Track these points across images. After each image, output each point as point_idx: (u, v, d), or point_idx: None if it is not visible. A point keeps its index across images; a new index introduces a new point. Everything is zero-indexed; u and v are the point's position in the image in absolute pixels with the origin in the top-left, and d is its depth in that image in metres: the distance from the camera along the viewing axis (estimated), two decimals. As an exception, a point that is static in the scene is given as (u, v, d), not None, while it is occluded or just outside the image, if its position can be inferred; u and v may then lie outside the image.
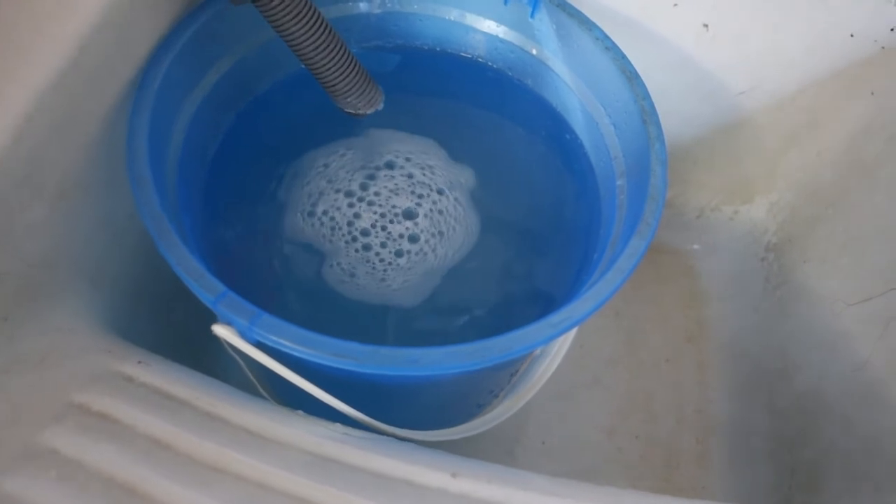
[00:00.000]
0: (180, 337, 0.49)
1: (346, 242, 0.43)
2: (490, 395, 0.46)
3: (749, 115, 0.54)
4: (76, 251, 0.37)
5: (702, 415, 0.58)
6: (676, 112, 0.54)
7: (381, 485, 0.32)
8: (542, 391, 0.57)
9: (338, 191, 0.45)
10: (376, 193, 0.45)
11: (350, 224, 0.44)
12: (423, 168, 0.46)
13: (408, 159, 0.46)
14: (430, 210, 0.45)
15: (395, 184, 0.46)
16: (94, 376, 0.34)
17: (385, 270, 0.43)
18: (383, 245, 0.44)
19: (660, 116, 0.41)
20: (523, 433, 0.57)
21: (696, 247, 0.66)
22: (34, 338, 0.34)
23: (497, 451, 0.56)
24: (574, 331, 0.46)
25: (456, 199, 0.45)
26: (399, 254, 0.43)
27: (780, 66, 0.50)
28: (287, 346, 0.31)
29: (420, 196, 0.45)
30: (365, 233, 0.44)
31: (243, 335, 0.32)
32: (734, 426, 0.57)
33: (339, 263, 0.43)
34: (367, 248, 0.43)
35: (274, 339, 0.31)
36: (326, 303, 0.42)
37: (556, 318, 0.33)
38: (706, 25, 0.48)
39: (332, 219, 0.44)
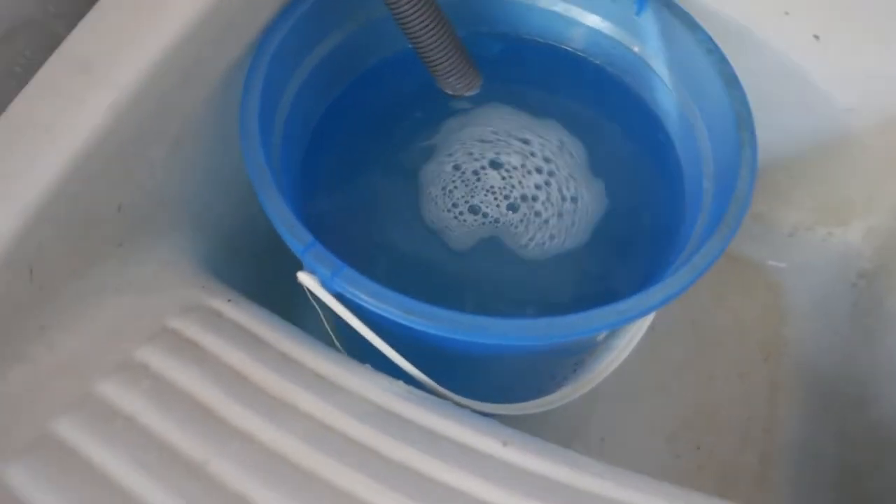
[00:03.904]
0: (266, 286, 0.53)
1: (447, 209, 0.45)
2: (552, 382, 0.47)
3: (854, 134, 0.52)
4: (186, 194, 0.41)
5: (769, 435, 0.57)
6: (777, 124, 0.52)
7: (435, 442, 0.33)
8: (609, 390, 0.57)
9: (440, 163, 0.47)
10: (474, 172, 0.47)
11: (450, 192, 0.46)
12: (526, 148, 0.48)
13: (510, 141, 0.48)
14: (527, 197, 0.46)
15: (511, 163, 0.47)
16: (188, 307, 0.37)
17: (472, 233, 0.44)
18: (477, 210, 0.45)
19: (758, 126, 0.40)
20: (584, 428, 0.57)
21: (783, 264, 0.64)
22: (141, 266, 0.38)
23: (554, 441, 0.57)
24: (642, 330, 0.46)
25: (549, 191, 0.46)
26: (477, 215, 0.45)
27: (892, 84, 0.48)
28: (363, 299, 0.33)
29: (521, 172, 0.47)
30: (474, 209, 0.45)
31: (325, 285, 0.35)
32: (801, 451, 0.55)
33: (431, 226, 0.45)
34: (473, 210, 0.45)
35: (352, 291, 0.33)
36: (413, 268, 0.44)
37: (622, 305, 0.34)
38: (817, 36, 0.47)
39: (439, 190, 0.46)
